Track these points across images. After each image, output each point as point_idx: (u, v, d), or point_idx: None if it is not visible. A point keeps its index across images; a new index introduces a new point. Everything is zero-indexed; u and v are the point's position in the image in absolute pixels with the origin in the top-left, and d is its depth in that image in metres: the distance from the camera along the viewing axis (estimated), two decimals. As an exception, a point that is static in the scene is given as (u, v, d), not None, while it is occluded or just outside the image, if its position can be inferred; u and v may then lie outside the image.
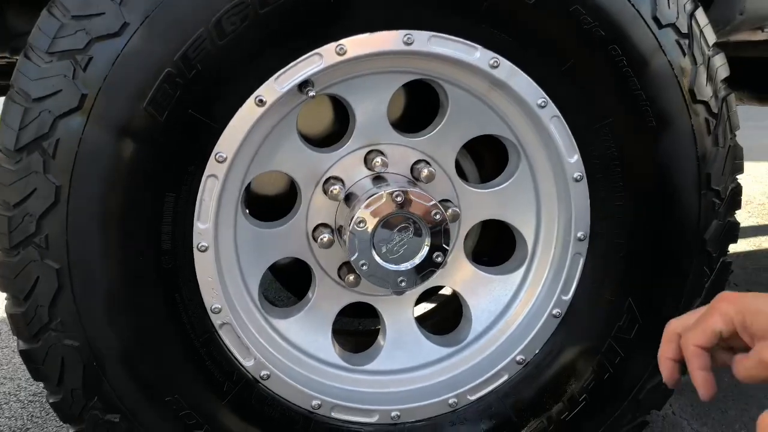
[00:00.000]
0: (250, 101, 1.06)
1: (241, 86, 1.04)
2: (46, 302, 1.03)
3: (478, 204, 1.28)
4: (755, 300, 0.75)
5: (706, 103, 1.12)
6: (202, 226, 1.10)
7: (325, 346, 1.28)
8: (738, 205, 1.21)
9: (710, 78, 1.12)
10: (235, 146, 1.08)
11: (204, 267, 1.12)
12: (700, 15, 1.12)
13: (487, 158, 1.41)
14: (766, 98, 1.51)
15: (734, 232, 1.22)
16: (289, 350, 1.25)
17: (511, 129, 1.21)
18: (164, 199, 1.05)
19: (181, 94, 1.00)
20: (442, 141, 1.23)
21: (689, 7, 1.11)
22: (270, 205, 1.36)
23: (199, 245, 1.11)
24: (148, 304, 1.08)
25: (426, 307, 1.62)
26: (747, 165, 1.19)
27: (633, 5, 1.06)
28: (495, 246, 1.46)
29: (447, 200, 1.27)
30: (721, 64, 1.14)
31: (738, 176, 1.21)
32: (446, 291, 1.59)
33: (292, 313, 1.29)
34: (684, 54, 1.10)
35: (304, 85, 1.10)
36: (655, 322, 1.22)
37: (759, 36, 1.43)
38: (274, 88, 1.06)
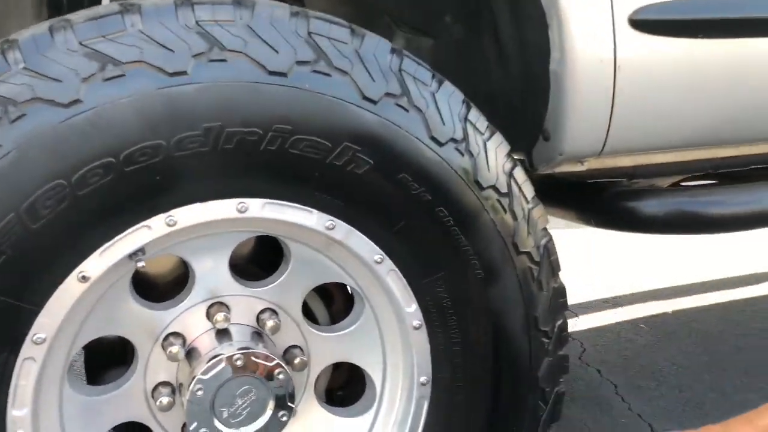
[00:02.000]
0: (71, 278, 1.00)
1: (60, 265, 0.99)
2: None
3: (327, 347, 1.28)
4: None
5: (528, 253, 1.21)
6: (18, 413, 1.01)
7: None
8: (566, 341, 1.29)
9: (531, 230, 1.21)
10: (55, 325, 1.01)
11: (22, 456, 1.03)
12: (519, 173, 1.21)
13: (337, 296, 1.42)
14: (589, 219, 1.64)
15: (565, 364, 1.30)
16: None
17: (353, 279, 1.23)
18: (-29, 392, 0.96)
19: (-11, 282, 0.93)
20: (287, 290, 1.23)
21: (508, 166, 1.20)
22: (106, 362, 1.28)
23: (15, 434, 1.02)
24: None
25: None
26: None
27: (456, 171, 1.13)
28: (349, 381, 1.46)
29: (295, 346, 1.26)
30: (539, 216, 1.23)
31: (564, 312, 1.30)
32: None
33: (131, 482, 1.21)
34: (505, 211, 1.18)
35: (134, 254, 1.06)
36: (497, 460, 1.27)
37: (579, 168, 1.57)
38: (100, 263, 1.02)
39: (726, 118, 1.49)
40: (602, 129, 1.41)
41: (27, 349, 0.99)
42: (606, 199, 1.59)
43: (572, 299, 3.27)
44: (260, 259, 1.32)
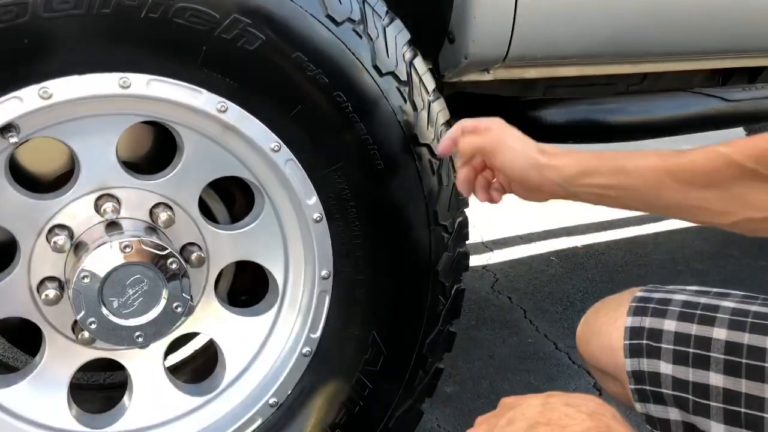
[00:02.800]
0: (-69, 152, 0.93)
1: None
2: None
3: (226, 246, 1.25)
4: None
5: (428, 146, 1.20)
6: None
7: (58, 412, 1.17)
8: (466, 237, 1.31)
9: (431, 122, 1.20)
10: None
11: None
12: (419, 63, 1.20)
13: (238, 198, 1.38)
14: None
15: (465, 261, 1.32)
16: (11, 424, 1.12)
17: (251, 171, 1.20)
18: None
19: None
20: (182, 183, 1.18)
21: (408, 55, 1.18)
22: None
23: None
24: None
25: (187, 351, 1.56)
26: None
27: (353, 53, 1.10)
28: (254, 284, 1.44)
29: (193, 243, 1.22)
30: (440, 109, 1.23)
31: (464, 209, 1.31)
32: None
33: (15, 380, 1.15)
34: (405, 100, 1.17)
35: (5, 130, 0.99)
36: (397, 352, 1.29)
37: (486, 77, 1.57)
38: (-36, 136, 0.94)
39: (623, 28, 1.53)
40: (506, 32, 1.41)
41: None
42: (511, 110, 1.61)
43: (488, 236, 3.35)
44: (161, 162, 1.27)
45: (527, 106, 1.60)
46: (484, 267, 2.92)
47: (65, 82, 0.98)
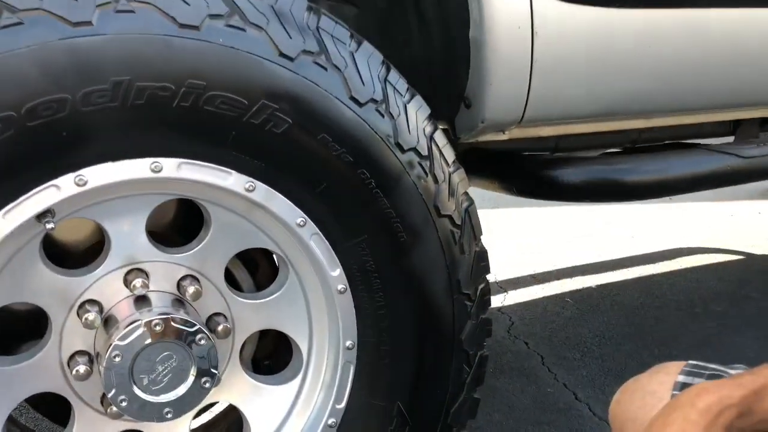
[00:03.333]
0: (-28, 241, 0.95)
1: (-42, 227, 0.94)
2: None
3: (251, 315, 1.26)
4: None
5: (450, 217, 1.22)
6: None
7: (86, 486, 1.17)
8: (488, 304, 1.32)
9: (452, 193, 1.23)
10: (-45, 291, 0.96)
11: None
12: (439, 136, 1.23)
13: (262, 265, 1.40)
14: (511, 188, 1.68)
15: (488, 327, 1.33)
16: (41, 501, 1.13)
17: (277, 244, 1.22)
18: None
19: None
20: (209, 256, 1.20)
21: (429, 129, 1.21)
22: (19, 329, 1.23)
23: None
24: None
25: (209, 415, 1.56)
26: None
27: (377, 132, 1.13)
28: (276, 350, 1.45)
29: (219, 314, 1.24)
30: (460, 180, 1.25)
31: (486, 276, 1.32)
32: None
33: (45, 456, 1.16)
34: (426, 174, 1.19)
35: (42, 216, 1.02)
36: (422, 421, 1.29)
37: (502, 137, 1.60)
38: (3, 224, 0.97)
39: (639, 88, 1.55)
40: (522, 96, 1.44)
41: (-77, 316, 0.94)
42: (527, 168, 1.63)
43: (502, 275, 3.35)
44: (185, 228, 1.29)
45: (542, 166, 1.62)
46: (499, 309, 2.91)
47: (100, 169, 1.01)
